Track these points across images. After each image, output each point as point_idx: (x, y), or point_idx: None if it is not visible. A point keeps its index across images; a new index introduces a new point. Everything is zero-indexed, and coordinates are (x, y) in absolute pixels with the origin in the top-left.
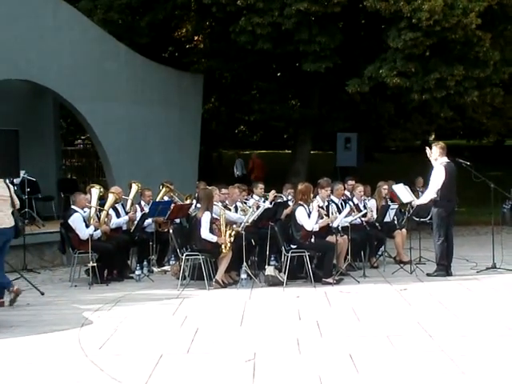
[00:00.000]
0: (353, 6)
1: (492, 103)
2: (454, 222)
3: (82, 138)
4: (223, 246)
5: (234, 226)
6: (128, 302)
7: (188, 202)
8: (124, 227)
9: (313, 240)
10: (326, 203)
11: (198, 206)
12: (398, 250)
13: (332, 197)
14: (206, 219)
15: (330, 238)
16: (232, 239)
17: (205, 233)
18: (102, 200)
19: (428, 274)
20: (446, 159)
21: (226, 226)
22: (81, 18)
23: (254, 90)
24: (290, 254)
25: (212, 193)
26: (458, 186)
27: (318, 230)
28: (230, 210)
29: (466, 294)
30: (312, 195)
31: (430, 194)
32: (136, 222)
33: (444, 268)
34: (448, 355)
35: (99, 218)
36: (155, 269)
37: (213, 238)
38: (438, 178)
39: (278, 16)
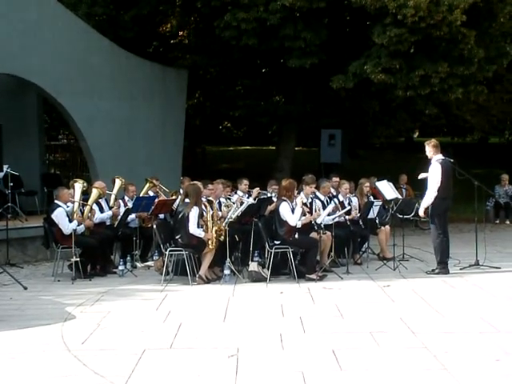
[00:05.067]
0: (338, 1)
1: (476, 101)
2: (448, 218)
3: (66, 132)
4: (209, 242)
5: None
6: (111, 297)
7: (174, 197)
8: (107, 222)
9: (296, 236)
10: (310, 200)
11: (187, 200)
12: (382, 247)
13: (318, 193)
14: (194, 214)
15: (314, 235)
16: (221, 236)
17: (193, 228)
18: (86, 195)
19: (428, 273)
20: (440, 156)
21: (212, 222)
22: (65, 12)
23: (239, 86)
24: (273, 250)
25: (200, 188)
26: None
27: (300, 226)
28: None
29: (449, 290)
30: (296, 191)
31: (432, 193)
32: (119, 218)
33: (446, 266)
34: (431, 351)
35: (82, 213)
36: (138, 264)
37: (200, 234)
38: (435, 175)
39: (263, 11)
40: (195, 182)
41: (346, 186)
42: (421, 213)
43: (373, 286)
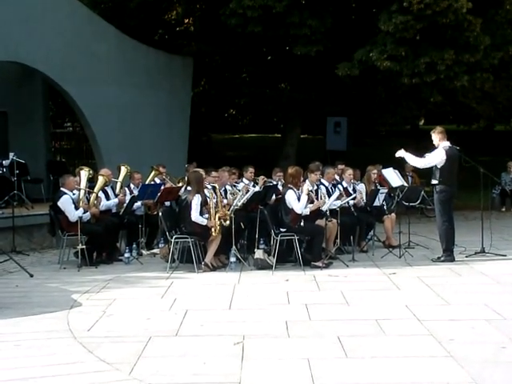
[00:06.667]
0: None
1: (482, 88)
2: (453, 206)
3: (72, 120)
4: (213, 230)
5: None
6: (117, 285)
7: (180, 184)
8: (113, 210)
9: (302, 223)
10: (316, 187)
11: (189, 188)
12: (387, 234)
13: (322, 180)
14: (196, 202)
15: (320, 222)
16: (226, 222)
17: (195, 215)
18: (92, 182)
19: (434, 260)
20: (447, 143)
21: (215, 209)
22: None
23: (244, 74)
24: (279, 238)
25: (202, 175)
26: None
27: (308, 213)
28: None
29: (454, 278)
30: (302, 179)
31: (420, 162)
32: (125, 205)
33: (452, 253)
34: (436, 339)
35: (88, 201)
36: (144, 251)
37: (203, 221)
38: (435, 156)
39: None
40: (197, 169)
41: (349, 172)
42: (398, 153)
43: (378, 274)
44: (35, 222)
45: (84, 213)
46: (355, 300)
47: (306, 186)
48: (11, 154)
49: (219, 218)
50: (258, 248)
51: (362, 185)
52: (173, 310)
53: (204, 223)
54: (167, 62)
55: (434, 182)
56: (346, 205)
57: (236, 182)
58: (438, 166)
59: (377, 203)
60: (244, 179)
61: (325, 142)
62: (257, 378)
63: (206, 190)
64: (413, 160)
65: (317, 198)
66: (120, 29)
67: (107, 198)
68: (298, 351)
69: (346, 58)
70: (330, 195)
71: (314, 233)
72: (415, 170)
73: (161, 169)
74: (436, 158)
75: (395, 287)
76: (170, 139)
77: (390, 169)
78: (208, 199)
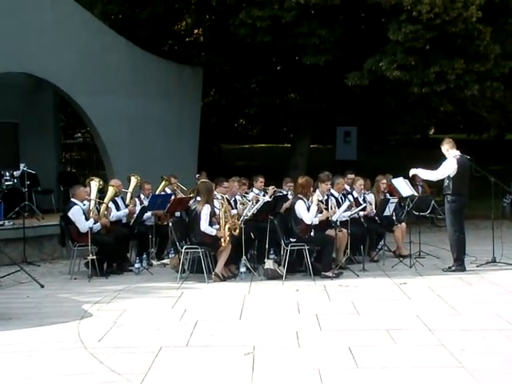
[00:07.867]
0: None
1: (492, 97)
2: (464, 215)
3: (82, 131)
4: (222, 240)
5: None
6: (127, 295)
7: (191, 195)
8: (123, 220)
9: (312, 233)
10: (326, 197)
11: (198, 198)
12: (398, 244)
13: (332, 190)
14: (205, 212)
15: (330, 232)
16: (236, 231)
17: (204, 226)
18: (102, 193)
19: (444, 270)
20: (457, 152)
21: (225, 219)
22: (80, 11)
23: (254, 84)
24: (289, 248)
25: (212, 186)
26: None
27: (318, 223)
28: (229, 203)
29: (465, 288)
30: (312, 189)
31: (434, 175)
32: (135, 215)
33: (462, 263)
34: (447, 349)
35: (99, 211)
36: (154, 262)
37: (212, 232)
38: (447, 167)
39: (277, 9)
40: (205, 179)
41: (360, 182)
42: (411, 171)
43: (389, 284)
44: (46, 232)
45: (94, 223)
46: (366, 310)
47: (316, 196)
48: (22, 165)
49: (229, 229)
50: (268, 258)
51: (372, 195)
52: (183, 320)
53: (213, 233)
54: (177, 72)
55: (446, 191)
56: (356, 215)
57: (246, 192)
58: (450, 176)
59: (387, 213)
60: (254, 189)
61: (335, 152)
62: None
63: (215, 201)
64: (426, 174)
65: (327, 208)
66: (130, 40)
67: (117, 208)
68: (308, 361)
69: (355, 67)
70: (339, 205)
71: (324, 243)
72: (425, 179)
73: (172, 179)
74: (449, 168)
75: (406, 297)
76: (179, 149)
77: (400, 178)
78: (217, 210)
